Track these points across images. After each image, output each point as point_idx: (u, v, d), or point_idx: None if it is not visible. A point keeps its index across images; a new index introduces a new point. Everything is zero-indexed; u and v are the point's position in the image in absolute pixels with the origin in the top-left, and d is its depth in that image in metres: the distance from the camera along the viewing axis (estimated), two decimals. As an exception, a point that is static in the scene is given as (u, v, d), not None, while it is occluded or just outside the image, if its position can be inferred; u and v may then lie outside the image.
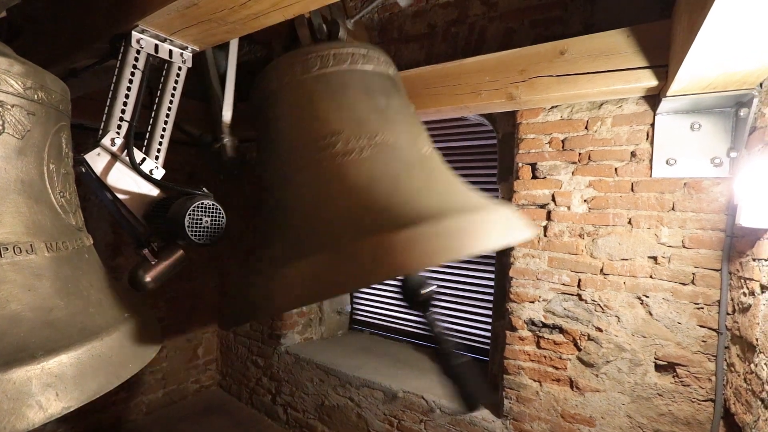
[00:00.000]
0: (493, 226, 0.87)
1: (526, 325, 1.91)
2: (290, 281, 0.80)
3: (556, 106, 1.82)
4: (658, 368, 1.62)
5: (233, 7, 0.98)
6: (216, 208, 1.11)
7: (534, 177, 1.89)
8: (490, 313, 2.47)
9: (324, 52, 1.16)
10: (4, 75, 0.75)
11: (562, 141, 1.82)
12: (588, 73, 1.58)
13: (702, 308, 1.54)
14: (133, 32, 1.09)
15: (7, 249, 0.73)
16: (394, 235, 0.77)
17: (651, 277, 1.63)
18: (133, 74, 1.12)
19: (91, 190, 1.11)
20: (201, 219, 1.08)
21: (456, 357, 0.97)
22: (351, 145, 1.01)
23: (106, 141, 1.08)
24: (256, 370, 3.11)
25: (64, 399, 0.68)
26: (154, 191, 1.16)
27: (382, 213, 0.87)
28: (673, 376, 1.59)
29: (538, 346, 1.88)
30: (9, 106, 0.76)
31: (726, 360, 1.49)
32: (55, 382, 0.68)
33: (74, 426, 2.58)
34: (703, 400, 1.54)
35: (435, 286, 0.98)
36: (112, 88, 1.10)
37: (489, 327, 2.47)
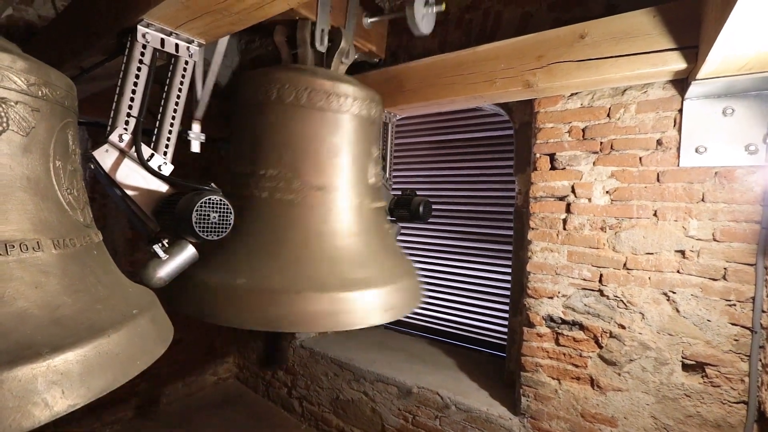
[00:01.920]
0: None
1: (544, 322, 1.85)
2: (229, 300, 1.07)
3: (576, 94, 1.74)
4: (686, 368, 1.54)
5: (236, -3, 0.95)
6: (224, 204, 1.09)
7: (553, 168, 1.81)
8: (507, 308, 2.41)
9: (301, 86, 1.28)
10: (7, 71, 0.74)
11: (583, 130, 1.73)
12: (611, 57, 1.49)
13: (734, 305, 1.45)
14: (139, 26, 1.08)
15: (14, 246, 0.73)
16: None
17: (678, 272, 1.54)
18: (139, 69, 1.11)
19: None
20: (209, 215, 1.06)
21: None
22: (288, 187, 1.24)
23: (114, 137, 1.07)
24: (272, 364, 3.15)
25: (70, 397, 0.68)
26: (162, 187, 1.16)
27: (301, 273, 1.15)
28: (702, 376, 1.51)
29: (557, 343, 1.81)
30: (12, 103, 0.75)
31: (761, 360, 1.40)
32: (61, 380, 0.68)
33: (99, 417, 2.67)
34: (735, 402, 1.46)
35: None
36: (119, 84, 1.09)
37: (506, 323, 2.41)
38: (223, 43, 1.41)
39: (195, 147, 1.47)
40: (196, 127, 1.44)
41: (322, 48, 1.49)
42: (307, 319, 1.04)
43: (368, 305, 1.13)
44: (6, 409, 0.60)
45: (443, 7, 1.57)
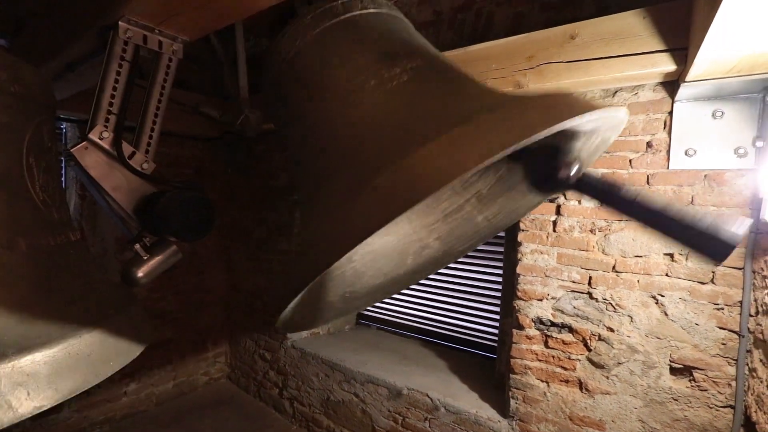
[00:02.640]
0: (577, 100, 0.67)
1: (533, 324, 1.84)
2: (370, 197, 0.60)
3: (567, 95, 1.73)
4: (674, 371, 1.53)
5: (216, -7, 0.94)
6: (204, 203, 1.08)
7: (543, 169, 1.80)
8: (498, 310, 2.40)
9: (331, 3, 1.04)
10: (-24, 66, 0.73)
11: (573, 131, 1.72)
12: (601, 58, 1.48)
13: (722, 309, 1.45)
14: (120, 23, 1.06)
15: (-19, 245, 0.71)
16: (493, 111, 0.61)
17: (667, 275, 1.53)
18: (121, 66, 1.10)
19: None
20: (189, 214, 1.05)
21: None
22: (386, 76, 0.89)
23: (94, 135, 1.06)
24: (263, 364, 3.13)
25: (36, 398, 0.67)
26: (144, 186, 1.14)
27: (465, 103, 0.73)
28: (690, 380, 1.50)
29: (546, 346, 1.81)
30: (-18, 99, 0.74)
31: (747, 365, 1.39)
32: (27, 381, 0.66)
33: (87, 415, 2.65)
34: (721, 407, 1.45)
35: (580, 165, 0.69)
36: (99, 81, 1.08)
37: (497, 324, 2.40)
38: (239, 27, 1.42)
39: (254, 123, 1.53)
40: (246, 104, 1.49)
41: None
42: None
43: None
44: (-34, 411, 0.59)
45: None
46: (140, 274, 1.13)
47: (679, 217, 0.57)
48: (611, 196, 0.65)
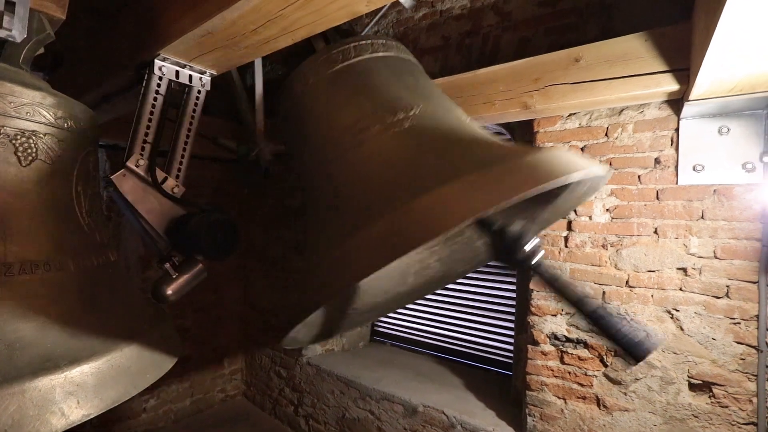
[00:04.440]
0: (568, 158, 0.75)
1: (548, 340, 1.84)
2: (364, 244, 0.70)
3: (575, 114, 1.78)
4: (693, 387, 1.52)
5: (245, 34, 1.03)
6: (230, 225, 1.15)
7: (553, 186, 1.84)
8: (512, 326, 2.41)
9: (344, 46, 1.13)
10: (38, 107, 0.82)
11: (582, 149, 1.77)
12: (605, 79, 1.54)
13: (739, 323, 1.44)
14: (156, 60, 1.17)
15: (38, 266, 0.79)
16: (480, 173, 0.67)
17: (681, 289, 1.54)
18: (155, 99, 1.19)
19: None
20: (216, 235, 1.12)
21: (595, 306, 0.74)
22: (389, 122, 0.95)
23: (131, 163, 1.15)
24: (279, 381, 3.16)
25: (84, 407, 0.73)
26: (175, 208, 1.22)
27: (456, 160, 0.78)
28: (710, 396, 1.49)
29: (562, 362, 1.81)
30: (41, 135, 0.83)
31: (768, 380, 1.38)
32: (77, 391, 0.73)
33: (109, 431, 2.70)
34: (743, 424, 1.43)
35: (539, 241, 0.79)
36: (136, 113, 1.17)
37: (512, 340, 2.40)
38: (258, 61, 1.51)
39: (267, 155, 1.61)
40: (261, 137, 1.58)
41: None
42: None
43: None
44: (27, 417, 0.65)
45: None
46: (169, 291, 1.20)
47: (613, 323, 0.70)
48: (561, 291, 0.76)
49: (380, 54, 1.12)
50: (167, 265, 1.20)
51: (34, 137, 0.81)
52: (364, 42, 1.15)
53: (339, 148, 0.99)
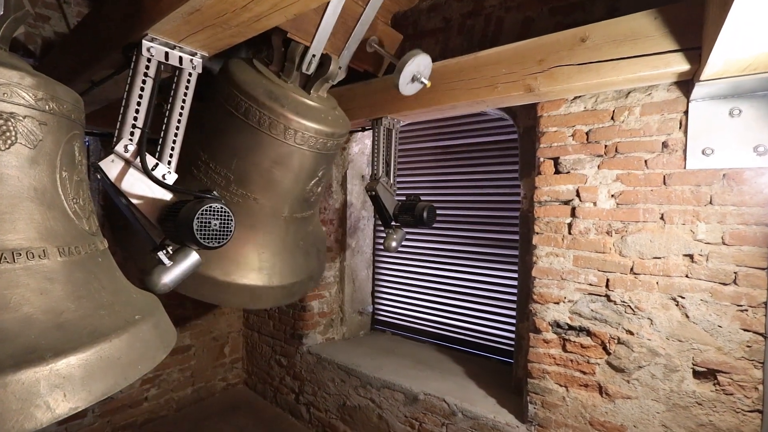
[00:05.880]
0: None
1: (550, 327, 1.82)
2: None
3: (579, 97, 1.73)
4: (697, 375, 1.50)
5: (234, 11, 0.98)
6: (224, 211, 1.11)
7: (557, 172, 1.80)
8: (514, 314, 2.39)
9: (266, 111, 1.40)
10: (16, 87, 0.78)
11: (587, 133, 1.72)
12: (612, 59, 1.48)
13: (746, 310, 1.41)
14: (144, 41, 1.12)
15: (20, 254, 0.76)
16: None
17: (687, 276, 1.51)
18: (144, 82, 1.15)
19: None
20: (210, 222, 1.09)
21: None
22: (235, 190, 1.52)
23: (119, 148, 1.11)
24: (279, 369, 3.16)
25: (71, 399, 0.70)
26: (166, 195, 1.19)
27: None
28: (714, 384, 1.47)
29: (564, 350, 1.79)
30: (21, 117, 0.79)
31: (774, 367, 1.35)
32: (63, 383, 0.70)
33: (109, 420, 2.71)
34: (748, 411, 1.41)
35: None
36: (124, 96, 1.13)
37: (514, 328, 2.38)
38: None
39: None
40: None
41: (308, 71, 1.55)
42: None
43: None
44: (9, 411, 0.62)
45: (428, 84, 1.62)
46: (164, 280, 1.17)
47: None
48: None
49: (294, 146, 1.55)
50: (160, 253, 1.17)
51: (12, 119, 0.77)
52: (280, 119, 1.46)
53: (205, 174, 1.56)
